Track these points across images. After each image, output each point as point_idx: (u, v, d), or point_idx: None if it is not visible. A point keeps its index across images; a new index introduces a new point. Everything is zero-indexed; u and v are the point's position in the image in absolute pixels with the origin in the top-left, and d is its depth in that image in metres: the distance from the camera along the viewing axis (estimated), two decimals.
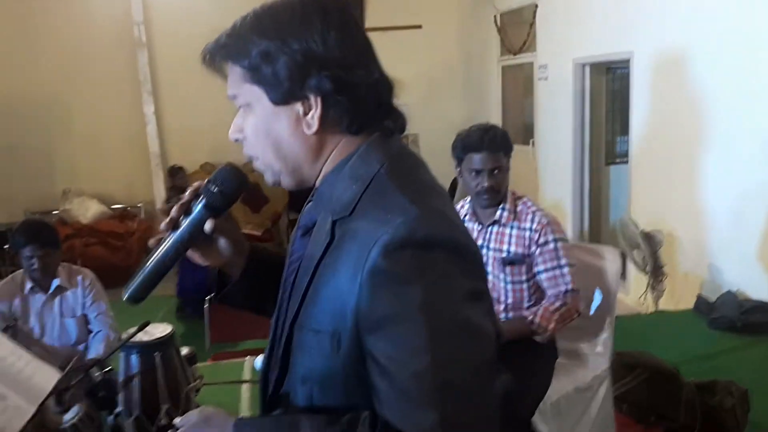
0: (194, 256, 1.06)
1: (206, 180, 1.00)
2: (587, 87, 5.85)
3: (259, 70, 0.90)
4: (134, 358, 1.55)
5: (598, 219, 6.12)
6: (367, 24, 4.60)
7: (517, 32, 6.90)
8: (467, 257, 0.87)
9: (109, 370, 1.80)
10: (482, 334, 0.85)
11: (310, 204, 1.02)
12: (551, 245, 2.28)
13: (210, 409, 0.97)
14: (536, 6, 6.41)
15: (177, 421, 0.97)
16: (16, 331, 2.63)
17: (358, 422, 0.84)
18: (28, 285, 2.75)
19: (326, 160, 0.94)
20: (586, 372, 2.49)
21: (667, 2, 4.63)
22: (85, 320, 2.80)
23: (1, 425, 1.30)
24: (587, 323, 2.56)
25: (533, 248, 2.29)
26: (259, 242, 4.56)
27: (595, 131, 5.95)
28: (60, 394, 1.54)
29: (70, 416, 1.54)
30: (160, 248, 1.00)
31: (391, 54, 0.97)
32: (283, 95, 0.90)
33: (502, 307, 2.36)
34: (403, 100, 0.98)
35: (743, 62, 3.97)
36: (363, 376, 0.85)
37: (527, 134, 6.86)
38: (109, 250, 6.07)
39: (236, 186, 1.01)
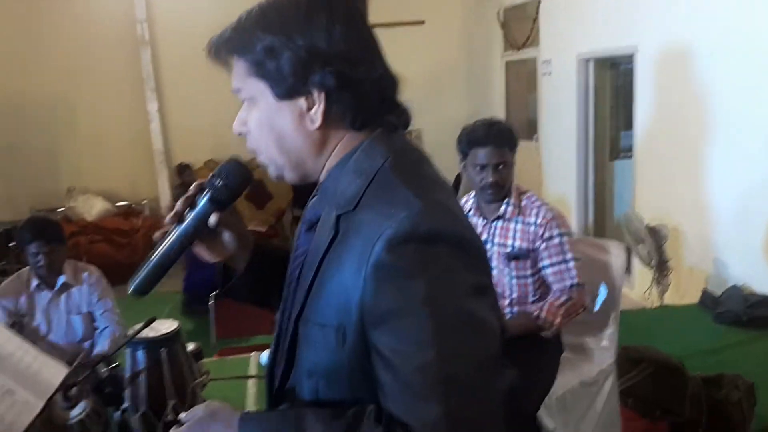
0: (199, 249, 1.06)
1: (211, 174, 1.01)
2: (591, 82, 5.84)
3: (263, 65, 0.90)
4: (140, 354, 1.55)
5: (603, 214, 6.11)
6: (370, 20, 4.60)
7: (520, 27, 6.88)
8: (471, 251, 0.87)
9: (116, 366, 1.81)
10: (486, 329, 0.85)
11: (314, 199, 1.03)
12: (556, 240, 2.28)
13: (216, 403, 0.97)
14: (539, 1, 6.39)
15: (183, 416, 0.97)
16: (22, 328, 2.65)
17: (364, 416, 0.84)
18: (34, 282, 2.76)
19: (330, 155, 0.95)
20: (591, 366, 2.49)
21: None
22: (91, 317, 2.81)
23: (10, 420, 1.31)
24: (592, 318, 2.56)
25: (538, 243, 2.29)
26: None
27: (599, 126, 5.93)
28: (67, 390, 1.55)
29: (77, 412, 1.55)
30: (165, 241, 1.01)
31: (394, 50, 0.97)
32: (286, 90, 0.90)
33: (506, 301, 2.36)
34: (406, 96, 0.98)
35: (748, 57, 3.95)
36: (368, 370, 0.85)
37: (531, 129, 6.85)
38: (114, 247, 6.09)
39: (240, 180, 1.01)
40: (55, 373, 1.47)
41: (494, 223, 2.36)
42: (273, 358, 1.03)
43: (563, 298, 2.24)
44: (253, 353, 2.28)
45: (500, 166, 2.28)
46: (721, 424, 2.66)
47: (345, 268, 0.86)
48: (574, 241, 2.34)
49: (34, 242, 2.67)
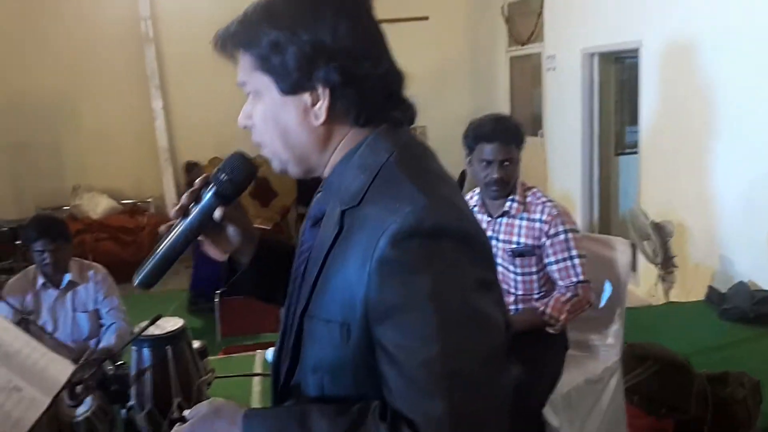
0: (204, 243, 1.07)
1: (216, 168, 1.01)
2: (596, 77, 5.82)
3: (268, 60, 0.90)
4: (146, 352, 1.56)
5: (608, 210, 6.09)
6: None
7: (524, 22, 6.86)
8: (476, 247, 0.87)
9: (122, 363, 1.82)
10: (491, 324, 0.85)
11: (319, 194, 1.03)
12: (562, 236, 2.27)
13: (220, 400, 0.97)
14: None
15: (187, 413, 0.97)
16: (29, 325, 2.66)
17: (368, 412, 0.84)
18: (40, 280, 2.77)
19: (334, 151, 0.95)
20: (596, 364, 2.49)
21: None
22: (97, 315, 2.82)
23: (18, 416, 1.31)
24: (598, 315, 2.55)
25: (543, 239, 2.28)
26: None
27: (604, 121, 5.91)
28: (72, 388, 1.56)
29: (83, 410, 1.55)
30: (171, 235, 1.02)
31: (398, 46, 0.97)
32: (291, 85, 0.90)
33: (511, 298, 2.35)
34: (410, 93, 0.98)
35: (753, 51, 3.93)
36: (373, 365, 0.85)
37: (536, 125, 6.84)
38: (120, 245, 6.11)
39: (245, 174, 1.02)
40: (62, 370, 1.47)
41: (499, 220, 2.35)
42: (278, 353, 1.03)
43: (569, 295, 2.24)
44: (258, 351, 2.28)
45: (506, 163, 2.26)
46: (727, 422, 2.65)
47: (349, 264, 0.86)
48: (580, 237, 2.33)
49: (40, 240, 2.68)
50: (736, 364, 2.99)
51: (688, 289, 4.52)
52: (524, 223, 2.31)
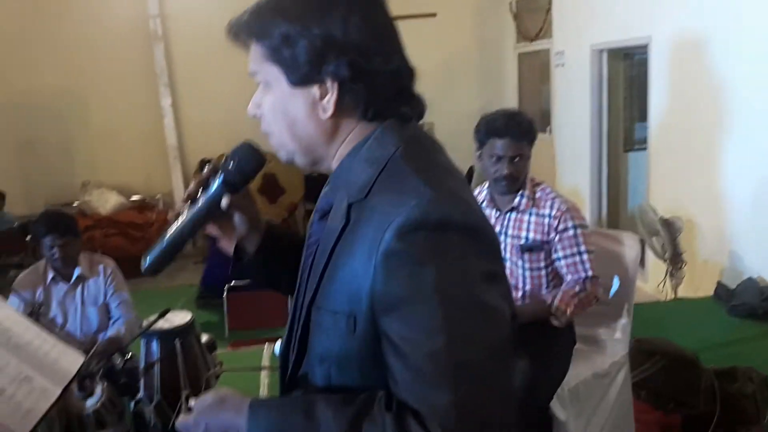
0: (212, 230, 1.09)
1: (225, 157, 1.02)
2: (605, 73, 5.79)
3: (279, 52, 0.91)
4: (155, 345, 1.57)
5: (617, 206, 6.07)
6: None
7: (533, 19, 6.84)
8: (483, 239, 0.87)
9: (131, 356, 1.83)
10: (498, 316, 0.85)
11: (326, 188, 1.03)
12: (571, 232, 2.26)
13: (225, 390, 0.98)
14: None
15: (192, 402, 0.98)
16: (39, 318, 2.68)
17: (374, 402, 0.84)
18: (50, 275, 2.79)
19: (341, 144, 0.95)
20: (604, 358, 2.48)
21: None
22: (106, 309, 2.84)
23: (28, 407, 1.33)
24: (606, 309, 2.54)
25: (552, 235, 2.27)
26: None
27: (612, 118, 5.89)
28: (82, 381, 1.57)
29: (92, 402, 1.57)
30: (178, 222, 1.03)
31: (406, 42, 0.97)
32: (300, 78, 0.91)
33: (520, 294, 2.35)
34: (418, 89, 0.98)
35: (764, 47, 3.89)
36: (379, 356, 0.85)
37: (544, 121, 6.82)
38: (129, 241, 6.14)
39: (253, 164, 1.03)
40: (72, 361, 1.48)
41: (508, 215, 2.35)
42: (286, 344, 1.03)
43: (577, 289, 2.23)
44: (266, 345, 2.30)
45: (516, 159, 2.26)
46: (735, 417, 2.64)
47: (356, 256, 0.86)
48: (589, 233, 2.33)
49: (49, 235, 2.71)
50: (744, 360, 2.98)
51: (697, 286, 4.50)
52: (533, 218, 2.30)
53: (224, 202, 1.02)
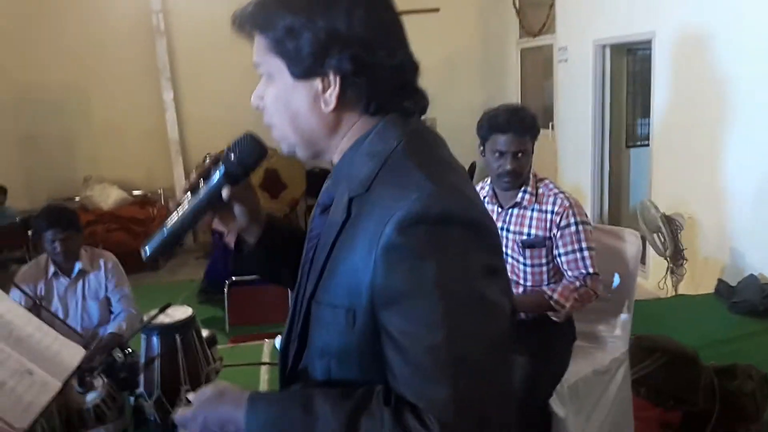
0: (217, 226, 1.09)
1: (226, 148, 1.02)
2: (608, 69, 5.78)
3: (282, 44, 0.91)
4: (155, 340, 1.57)
5: (618, 202, 6.06)
6: None
7: (536, 14, 6.82)
8: (484, 234, 0.87)
9: (131, 351, 1.84)
10: (497, 311, 0.85)
11: (328, 181, 1.04)
12: (573, 228, 2.26)
13: (224, 383, 0.98)
14: None
15: (191, 396, 0.98)
16: (40, 311, 2.69)
17: (372, 397, 0.84)
18: (52, 269, 2.80)
19: (343, 137, 0.95)
20: (604, 355, 2.48)
21: None
22: (107, 303, 2.85)
23: (29, 400, 1.33)
24: (606, 305, 2.54)
25: (554, 231, 2.27)
26: None
27: (615, 114, 5.88)
28: (82, 375, 1.57)
29: (92, 397, 1.57)
30: (179, 212, 1.03)
31: (409, 37, 0.97)
32: (303, 71, 0.91)
33: (521, 290, 2.35)
34: (420, 84, 0.98)
35: (767, 43, 3.88)
36: (379, 351, 0.86)
37: (547, 117, 6.80)
38: (131, 236, 6.14)
39: (255, 155, 1.03)
40: (73, 354, 1.49)
41: (510, 211, 2.34)
42: (287, 338, 1.04)
43: (577, 284, 2.24)
44: (266, 340, 2.30)
45: (519, 154, 2.25)
46: (735, 414, 2.64)
47: (357, 250, 0.86)
48: (590, 230, 2.32)
49: (51, 230, 2.71)
50: (744, 358, 2.98)
51: (698, 283, 4.50)
52: (535, 214, 2.30)
53: (224, 192, 1.02)
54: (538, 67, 7.17)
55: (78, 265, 2.80)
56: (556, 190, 2.32)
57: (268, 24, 0.91)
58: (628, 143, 5.98)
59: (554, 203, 2.28)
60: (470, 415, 0.80)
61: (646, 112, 5.39)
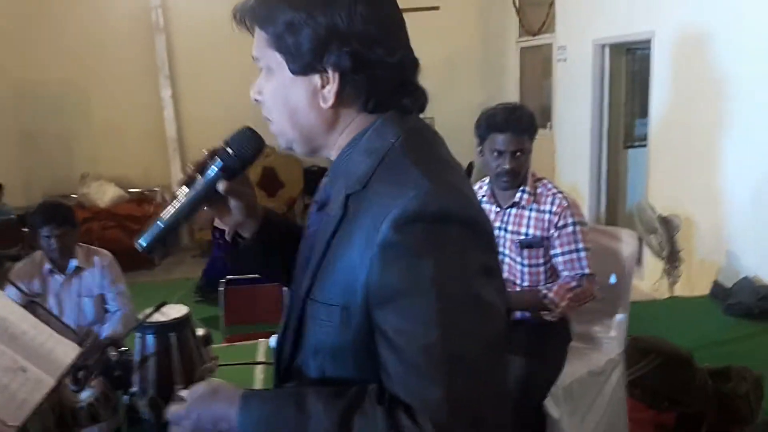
0: (208, 214, 1.08)
1: (223, 141, 1.02)
2: (607, 68, 5.78)
3: (282, 39, 0.91)
4: (150, 339, 1.56)
5: (615, 203, 6.07)
6: None
7: (535, 13, 6.82)
8: (480, 233, 0.87)
9: (125, 350, 1.83)
10: (493, 311, 0.85)
11: (326, 178, 1.03)
12: (570, 228, 2.26)
13: (218, 381, 0.98)
14: None
15: (184, 393, 0.98)
16: (36, 308, 2.68)
17: (365, 396, 0.84)
18: (47, 266, 2.79)
19: (341, 134, 0.95)
20: (599, 356, 2.49)
21: None
22: (102, 300, 2.84)
23: (23, 397, 1.33)
24: (602, 306, 2.55)
25: (552, 231, 2.28)
26: None
27: (613, 114, 5.88)
28: (76, 374, 1.57)
29: (86, 395, 1.57)
30: (175, 204, 1.03)
31: (409, 35, 0.97)
32: (302, 66, 0.91)
33: (518, 289, 2.35)
34: (419, 83, 0.98)
35: (766, 44, 3.88)
36: (373, 350, 0.85)
37: (545, 117, 6.80)
38: (127, 234, 6.13)
39: (252, 149, 1.02)
40: (67, 352, 1.49)
41: (508, 211, 2.35)
42: (282, 336, 1.03)
43: (573, 284, 2.24)
44: (261, 339, 2.30)
45: (518, 154, 2.26)
46: (729, 416, 2.65)
47: (353, 248, 0.86)
48: (587, 230, 2.32)
49: (46, 226, 2.71)
50: (739, 360, 2.98)
51: (693, 284, 4.50)
52: (533, 214, 2.30)
53: (221, 186, 1.01)
54: (537, 67, 7.18)
55: (73, 262, 2.80)
56: (554, 190, 2.32)
57: (269, 18, 0.91)
58: (626, 143, 5.99)
59: (552, 203, 2.28)
60: (464, 416, 0.80)
61: (644, 112, 5.39)
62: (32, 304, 2.46)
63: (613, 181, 6.02)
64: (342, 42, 0.88)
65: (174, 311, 1.63)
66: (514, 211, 2.34)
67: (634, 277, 2.63)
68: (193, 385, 0.98)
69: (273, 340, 2.17)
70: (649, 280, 4.87)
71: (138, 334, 1.58)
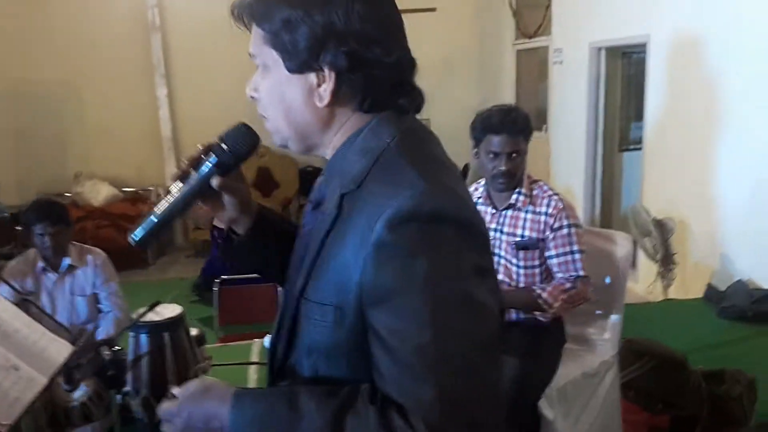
0: (204, 212, 1.08)
1: (218, 136, 1.02)
2: (602, 71, 5.79)
3: (278, 36, 0.91)
4: (143, 338, 1.56)
5: (610, 206, 6.08)
6: None
7: (532, 15, 6.83)
8: (474, 233, 0.87)
9: (119, 349, 1.82)
10: (486, 312, 0.85)
11: (321, 178, 1.03)
12: (565, 230, 2.27)
13: (210, 379, 0.98)
14: None
15: (176, 390, 0.97)
16: (29, 306, 2.67)
17: (358, 395, 0.84)
18: (40, 264, 2.78)
19: (337, 133, 0.95)
20: (594, 358, 2.49)
21: None
22: (95, 300, 2.83)
23: (15, 396, 1.32)
24: (596, 308, 2.55)
25: (547, 232, 2.28)
26: None
27: (609, 117, 5.89)
28: (69, 373, 1.56)
29: (79, 394, 1.56)
30: (169, 198, 1.03)
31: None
32: (298, 65, 0.91)
33: (513, 287, 2.35)
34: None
35: (762, 49, 3.90)
36: (366, 349, 0.85)
37: (540, 119, 6.82)
38: (121, 233, 6.06)
39: (246, 146, 1.02)
40: (60, 350, 1.48)
41: (504, 212, 2.35)
42: (276, 335, 1.03)
43: (568, 285, 2.24)
44: (255, 340, 2.29)
45: (513, 155, 2.26)
46: (722, 419, 2.65)
47: (347, 247, 0.86)
48: (582, 233, 2.33)
49: (40, 223, 2.70)
50: (733, 362, 2.99)
51: (687, 287, 4.52)
52: (529, 216, 2.31)
53: (214, 181, 1.01)
54: (533, 69, 7.19)
55: (66, 261, 2.78)
56: (550, 192, 2.33)
57: (266, 16, 0.91)
58: (621, 147, 6.00)
59: (548, 205, 2.29)
60: (457, 416, 0.79)
61: (639, 116, 5.41)
62: (25, 302, 2.45)
63: (608, 184, 6.04)
64: (339, 41, 0.88)
65: (168, 311, 1.62)
66: (509, 212, 2.34)
67: (628, 280, 2.64)
68: (186, 383, 0.97)
69: (267, 341, 2.17)
70: (643, 283, 4.89)
71: (131, 334, 1.57)
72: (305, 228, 1.03)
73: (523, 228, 2.31)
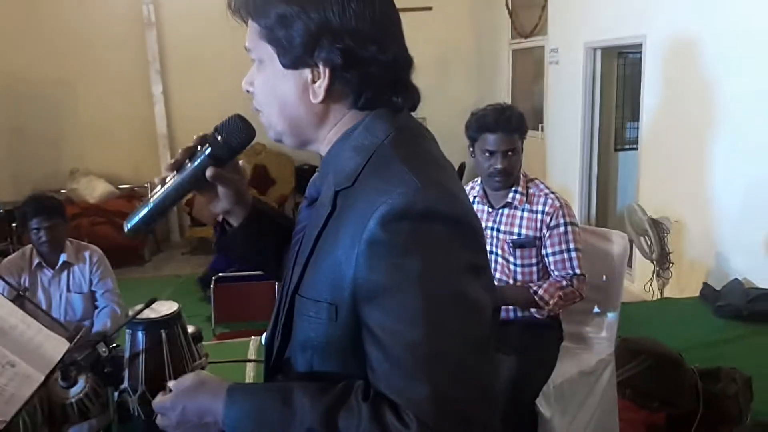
0: (199, 200, 1.09)
1: (214, 128, 1.02)
2: (598, 72, 5.81)
3: (274, 32, 0.90)
4: (140, 335, 1.55)
5: (605, 205, 6.10)
6: None
7: (528, 15, 6.83)
8: (468, 231, 0.87)
9: (116, 346, 1.81)
10: (479, 310, 0.85)
11: (316, 175, 1.03)
12: (561, 229, 2.27)
13: (205, 373, 0.98)
14: None
15: (171, 384, 0.97)
16: (24, 302, 2.66)
17: (351, 392, 0.84)
18: (36, 260, 2.77)
19: (331, 129, 0.95)
20: (590, 356, 2.49)
21: None
22: (91, 297, 2.82)
23: (11, 392, 1.32)
24: (593, 307, 2.56)
25: (544, 231, 2.28)
26: None
27: (604, 117, 5.91)
28: (66, 369, 1.56)
29: (75, 391, 1.55)
30: (164, 188, 1.03)
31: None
32: (293, 60, 0.91)
33: (510, 283, 2.35)
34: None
35: (757, 50, 3.91)
36: (360, 346, 0.85)
37: (536, 119, 6.82)
38: (116, 229, 6.07)
39: (241, 137, 1.02)
40: (57, 347, 1.47)
41: (500, 211, 2.35)
42: (272, 331, 1.03)
43: (564, 283, 2.25)
44: (252, 337, 2.29)
45: (509, 153, 2.26)
46: (718, 417, 2.66)
47: (340, 244, 0.86)
48: (579, 231, 2.33)
49: (36, 218, 2.68)
50: (729, 361, 3.00)
51: (683, 286, 4.53)
52: (526, 214, 2.31)
53: (209, 172, 1.01)
54: (529, 69, 7.19)
55: (62, 257, 2.77)
56: (546, 191, 2.33)
57: (262, 11, 0.91)
58: (616, 146, 6.02)
59: (545, 203, 2.29)
60: (450, 414, 0.79)
61: (635, 116, 5.43)
62: (20, 298, 2.44)
63: (604, 184, 6.06)
64: (334, 38, 0.87)
65: (164, 308, 1.62)
66: (506, 211, 2.34)
67: (624, 278, 2.64)
68: (180, 377, 0.98)
69: (264, 337, 2.16)
70: (639, 282, 4.90)
71: (128, 330, 1.57)
72: (300, 224, 1.03)
73: (520, 226, 2.31)
